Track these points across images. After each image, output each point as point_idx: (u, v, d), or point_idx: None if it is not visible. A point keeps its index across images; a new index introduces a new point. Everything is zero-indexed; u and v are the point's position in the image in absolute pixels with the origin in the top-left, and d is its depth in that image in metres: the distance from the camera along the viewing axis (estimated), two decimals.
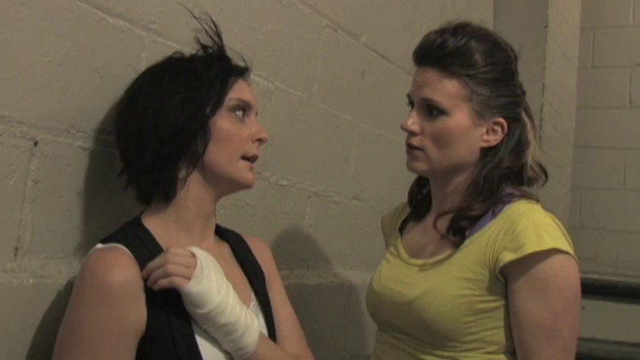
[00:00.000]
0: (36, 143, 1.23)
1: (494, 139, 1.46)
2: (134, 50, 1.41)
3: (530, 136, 1.50)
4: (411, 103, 1.50)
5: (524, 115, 1.51)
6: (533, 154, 1.50)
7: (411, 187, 1.63)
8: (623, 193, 4.18)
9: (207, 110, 1.27)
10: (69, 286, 1.26)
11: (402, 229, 1.62)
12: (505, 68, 1.48)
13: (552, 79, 3.49)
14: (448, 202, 1.49)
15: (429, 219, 1.53)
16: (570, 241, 1.40)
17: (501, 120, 1.46)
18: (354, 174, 2.23)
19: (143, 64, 1.37)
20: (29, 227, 1.23)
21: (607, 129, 4.23)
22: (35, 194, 1.23)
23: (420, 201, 1.61)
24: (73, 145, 1.30)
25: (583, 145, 4.24)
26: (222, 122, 1.28)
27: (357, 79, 2.22)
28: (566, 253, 1.37)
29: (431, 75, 1.45)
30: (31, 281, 1.22)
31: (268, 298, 1.40)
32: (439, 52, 1.44)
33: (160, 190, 1.28)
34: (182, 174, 1.28)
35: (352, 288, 2.21)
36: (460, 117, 1.44)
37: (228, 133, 1.29)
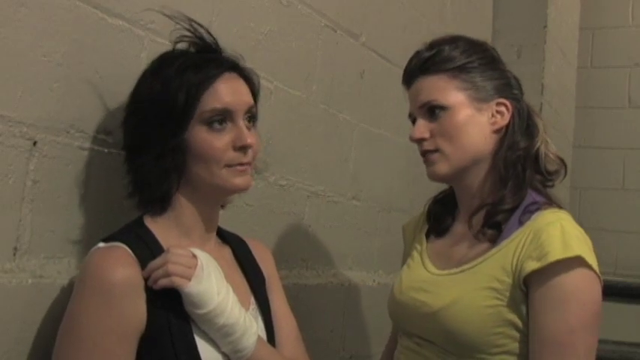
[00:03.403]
0: (35, 143, 1.23)
1: (501, 119, 1.48)
2: (133, 50, 1.40)
3: (537, 120, 1.52)
4: (414, 121, 1.52)
5: (524, 102, 1.53)
6: (545, 142, 1.51)
7: (429, 207, 1.62)
8: (622, 193, 4.17)
9: (174, 126, 1.23)
10: (68, 286, 1.26)
11: (427, 236, 1.60)
12: (485, 55, 1.51)
13: (551, 79, 3.49)
14: (477, 200, 1.48)
15: (456, 228, 1.53)
16: (595, 258, 1.36)
17: (503, 100, 1.48)
18: (353, 174, 2.22)
19: (142, 64, 1.37)
20: (28, 227, 1.23)
21: (606, 129, 4.23)
22: (34, 194, 1.23)
23: (439, 218, 1.59)
24: (72, 145, 1.30)
25: (582, 145, 4.23)
26: (196, 136, 1.24)
27: (357, 79, 2.22)
28: (590, 268, 1.34)
29: (420, 82, 1.49)
30: (30, 281, 1.22)
31: (268, 301, 1.40)
32: (420, 64, 1.50)
33: (154, 201, 1.28)
34: (173, 188, 1.27)
35: (351, 288, 2.21)
36: (461, 107, 1.46)
37: (202, 147, 1.24)
